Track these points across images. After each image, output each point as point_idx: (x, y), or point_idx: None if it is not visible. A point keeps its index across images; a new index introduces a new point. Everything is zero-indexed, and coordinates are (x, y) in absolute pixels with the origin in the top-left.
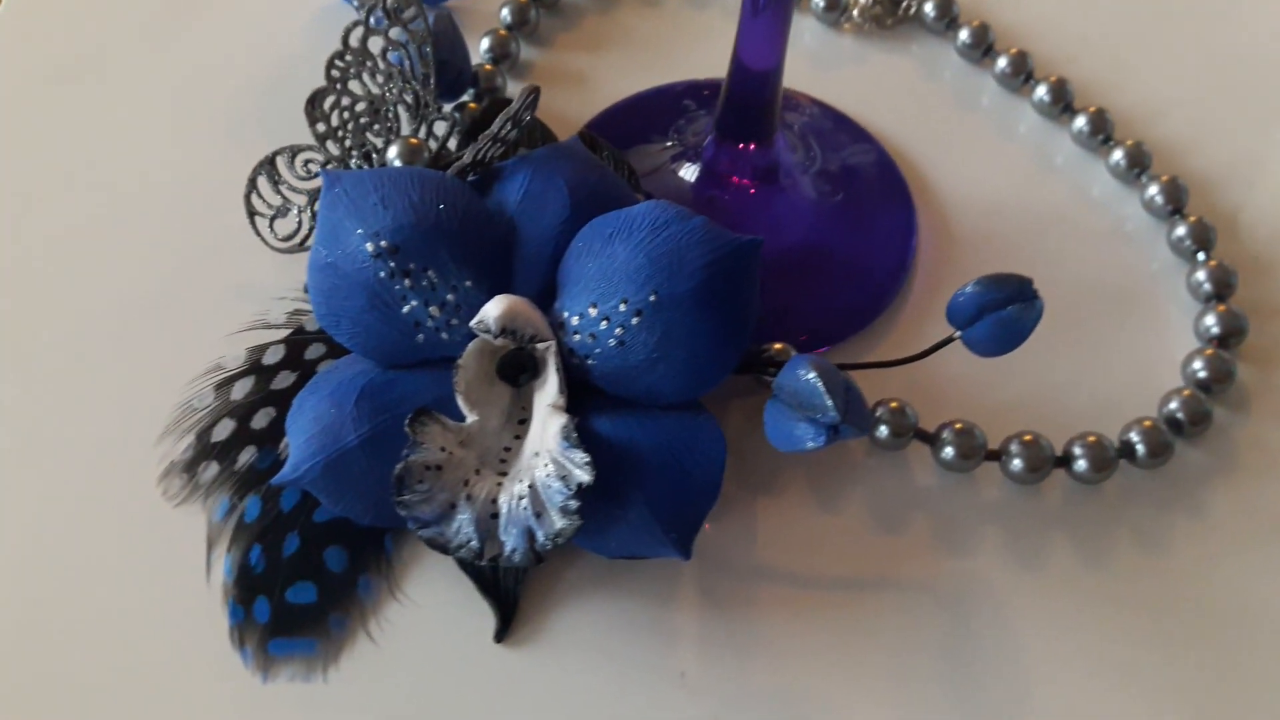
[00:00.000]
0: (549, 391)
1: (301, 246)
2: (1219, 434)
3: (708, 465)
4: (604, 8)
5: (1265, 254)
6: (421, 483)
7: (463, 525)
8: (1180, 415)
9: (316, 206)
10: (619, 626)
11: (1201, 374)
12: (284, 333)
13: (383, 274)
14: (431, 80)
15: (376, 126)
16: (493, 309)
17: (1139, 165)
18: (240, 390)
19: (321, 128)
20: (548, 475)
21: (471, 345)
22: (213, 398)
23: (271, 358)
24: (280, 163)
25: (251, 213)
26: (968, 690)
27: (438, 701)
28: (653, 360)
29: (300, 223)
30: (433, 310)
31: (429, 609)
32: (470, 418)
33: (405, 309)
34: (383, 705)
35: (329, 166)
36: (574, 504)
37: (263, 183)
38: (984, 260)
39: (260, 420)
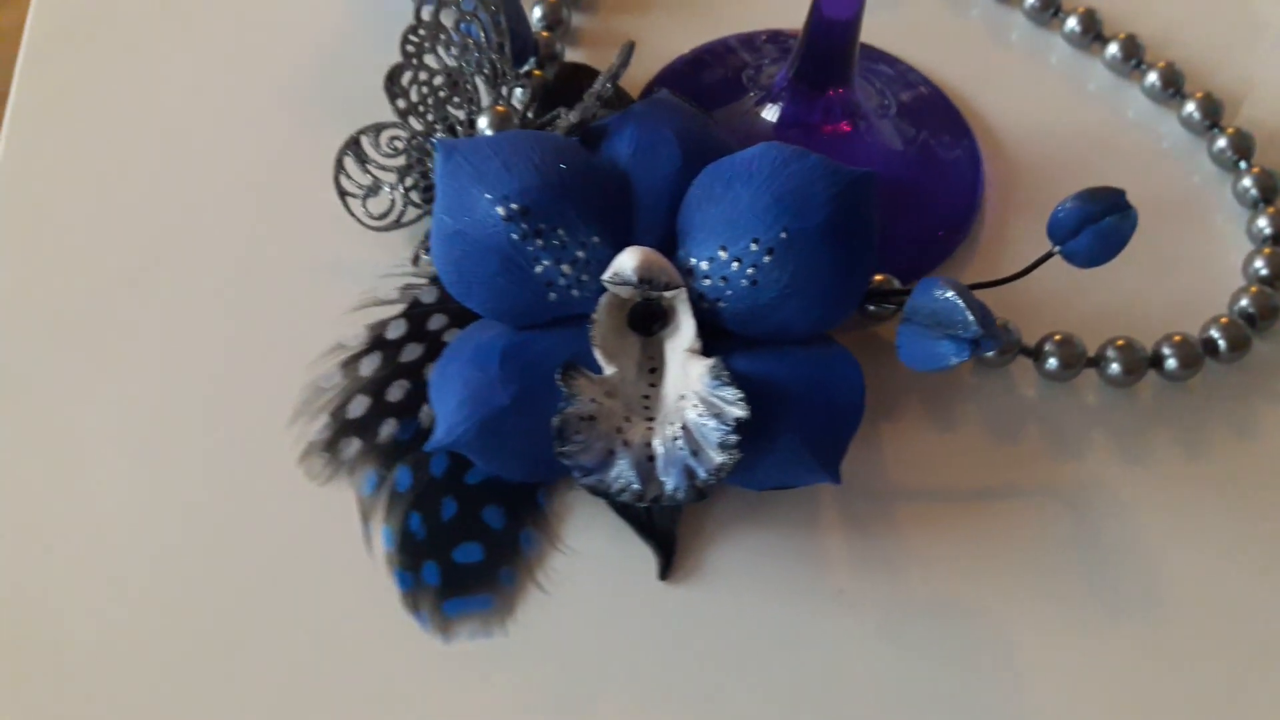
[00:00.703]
0: (684, 337)
1: (397, 224)
2: None
3: (849, 391)
4: None
5: None
6: (578, 434)
7: (622, 470)
8: (1252, 310)
9: (408, 182)
10: (772, 554)
11: (1264, 271)
12: (398, 308)
13: (515, 236)
14: (506, 49)
15: (456, 99)
16: (628, 261)
17: (1173, 85)
18: (368, 367)
19: (402, 104)
20: (699, 415)
21: (603, 299)
22: (340, 376)
23: (394, 332)
24: (365, 142)
25: (343, 193)
26: (1100, 577)
27: (614, 640)
28: (785, 296)
29: (393, 200)
30: (564, 269)
31: (590, 556)
32: (609, 370)
33: (538, 269)
34: (562, 649)
35: (414, 141)
36: (733, 438)
37: (349, 163)
38: (1041, 187)
39: (395, 393)
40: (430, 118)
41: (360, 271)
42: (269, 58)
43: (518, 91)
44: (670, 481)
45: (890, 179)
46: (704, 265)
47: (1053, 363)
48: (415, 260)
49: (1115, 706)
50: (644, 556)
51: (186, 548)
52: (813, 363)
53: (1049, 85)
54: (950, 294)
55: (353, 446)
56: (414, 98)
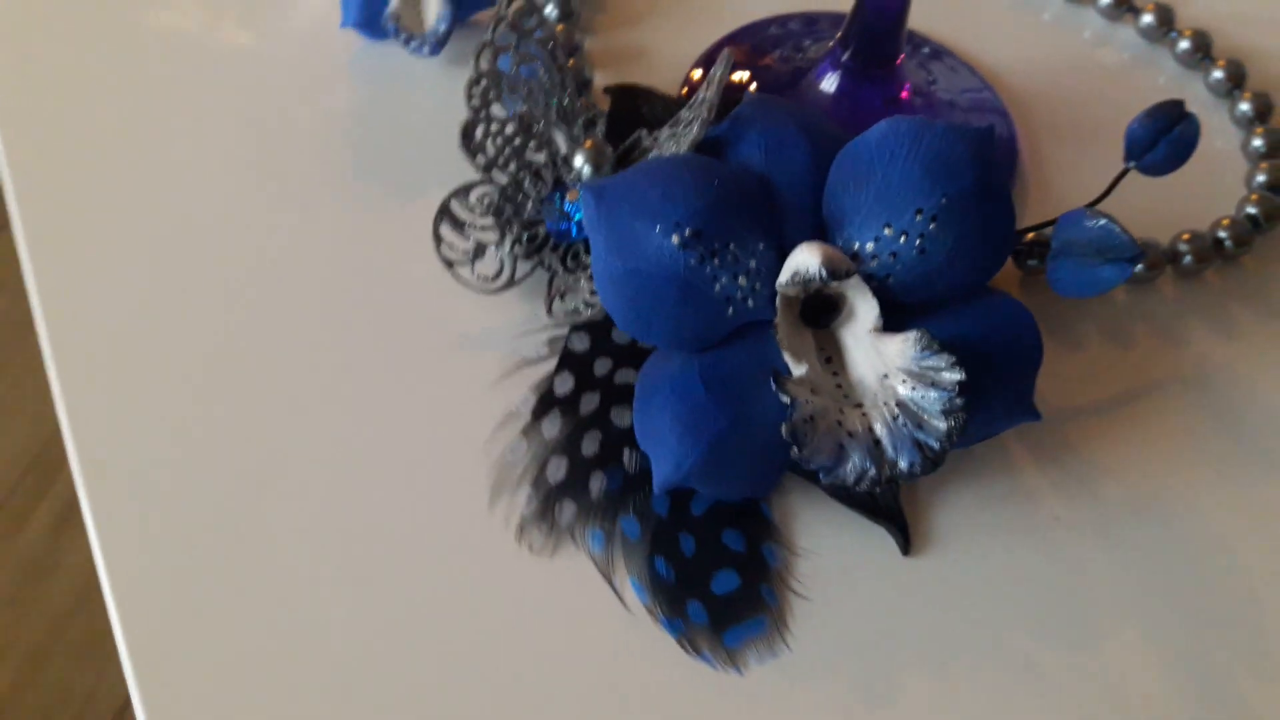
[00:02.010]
0: (866, 319)
1: (511, 282)
2: None
3: (1027, 331)
4: None
5: None
6: (806, 435)
7: (856, 460)
8: (1257, 213)
9: (510, 237)
10: (984, 502)
11: (1262, 179)
12: (552, 362)
13: (693, 261)
14: (569, 84)
15: (532, 144)
16: (810, 258)
17: (1166, 24)
18: (550, 428)
19: (481, 159)
20: (912, 390)
21: (779, 302)
22: (525, 444)
23: (562, 387)
24: (455, 206)
25: (449, 263)
26: (1254, 444)
27: (881, 621)
28: (952, 258)
29: (501, 260)
30: (741, 281)
31: (830, 552)
32: (800, 369)
33: (717, 288)
34: (846, 644)
35: (506, 194)
36: (959, 401)
37: (446, 231)
38: (1055, 131)
39: (589, 447)
40: (513, 167)
41: (492, 338)
42: (304, 139)
43: (592, 124)
44: (904, 459)
45: None
46: (869, 246)
47: (1189, 260)
48: (549, 310)
49: None
50: (876, 538)
51: (435, 659)
52: (987, 314)
53: (1047, 36)
54: (1104, 221)
55: (568, 510)
56: (490, 151)
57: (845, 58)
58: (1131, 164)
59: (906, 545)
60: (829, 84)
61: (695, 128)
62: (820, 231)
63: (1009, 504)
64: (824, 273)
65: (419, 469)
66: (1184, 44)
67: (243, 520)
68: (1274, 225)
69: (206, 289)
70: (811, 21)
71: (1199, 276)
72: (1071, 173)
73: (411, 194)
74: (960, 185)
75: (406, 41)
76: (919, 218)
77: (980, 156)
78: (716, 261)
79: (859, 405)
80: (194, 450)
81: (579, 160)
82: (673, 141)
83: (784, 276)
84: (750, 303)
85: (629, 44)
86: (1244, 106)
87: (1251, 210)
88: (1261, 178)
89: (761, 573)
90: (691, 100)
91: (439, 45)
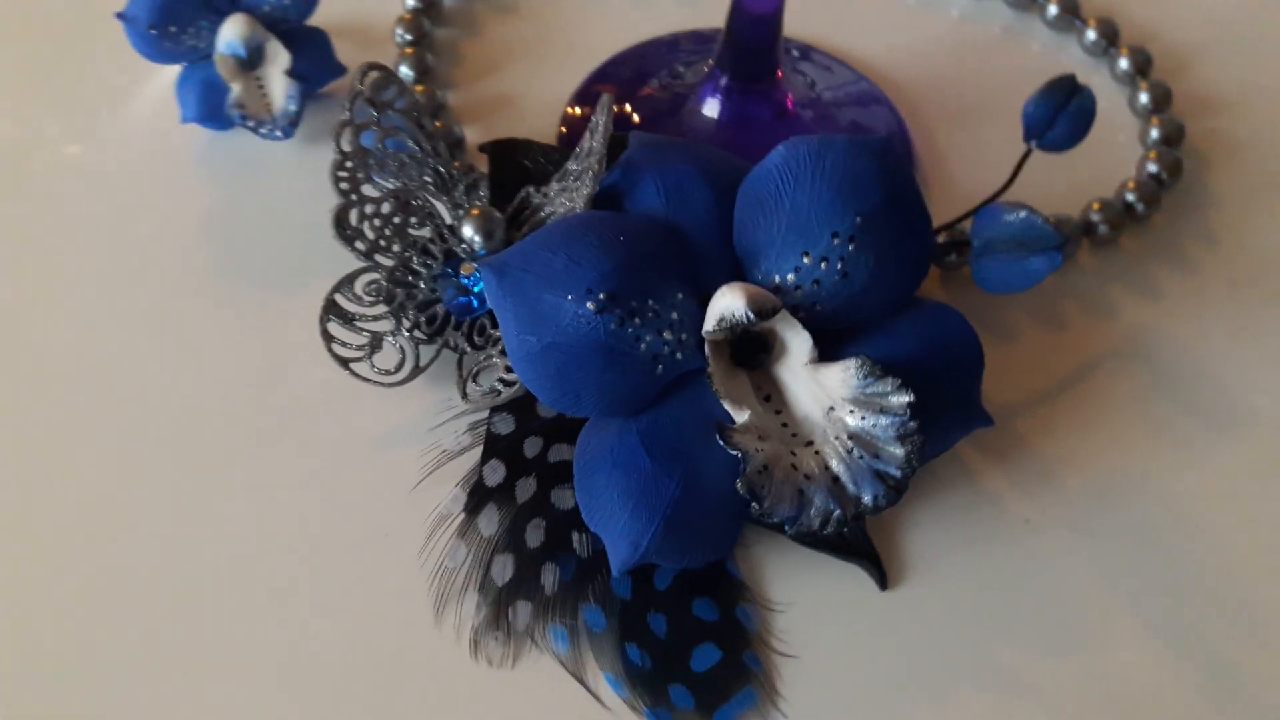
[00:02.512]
0: (800, 352)
1: (417, 369)
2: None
3: (964, 335)
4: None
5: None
6: (763, 487)
7: (818, 503)
8: (1158, 170)
9: (406, 322)
10: (951, 519)
11: (1156, 134)
12: (477, 451)
13: (613, 325)
14: (442, 150)
15: (414, 219)
16: (734, 302)
17: (1071, 13)
18: (489, 524)
19: (361, 245)
20: (861, 419)
21: (708, 350)
22: (463, 547)
23: (493, 477)
24: (341, 300)
25: (344, 362)
26: (1194, 397)
27: (879, 662)
28: (875, 276)
29: (401, 349)
30: (666, 335)
31: (807, 602)
32: (742, 415)
33: (642, 347)
34: (841, 695)
35: (395, 277)
36: (913, 424)
37: (335, 328)
38: (953, 118)
39: (534, 537)
40: (397, 248)
41: (405, 435)
42: (160, 247)
43: (473, 187)
44: (867, 493)
45: None
46: (790, 277)
47: (1103, 229)
48: (464, 395)
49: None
50: (851, 577)
51: None
52: (920, 326)
53: (913, 19)
54: (1024, 213)
55: (523, 611)
56: (369, 234)
57: (724, 80)
58: (1033, 144)
59: (884, 579)
60: (711, 109)
61: (587, 181)
62: (736, 270)
63: (975, 514)
64: (750, 314)
65: (350, 593)
66: (1053, 9)
67: (167, 669)
68: (1176, 180)
69: (77, 422)
70: (675, 45)
71: (1115, 244)
72: (966, 155)
73: (289, 291)
74: (871, 201)
75: (256, 128)
76: (836, 241)
77: (886, 168)
78: (637, 321)
79: (809, 443)
80: (90, 598)
81: (467, 230)
82: (565, 196)
83: (710, 324)
84: (679, 355)
85: (494, 94)
86: (1124, 63)
87: (1152, 168)
88: (1155, 133)
89: (741, 639)
90: (577, 150)
91: (292, 126)
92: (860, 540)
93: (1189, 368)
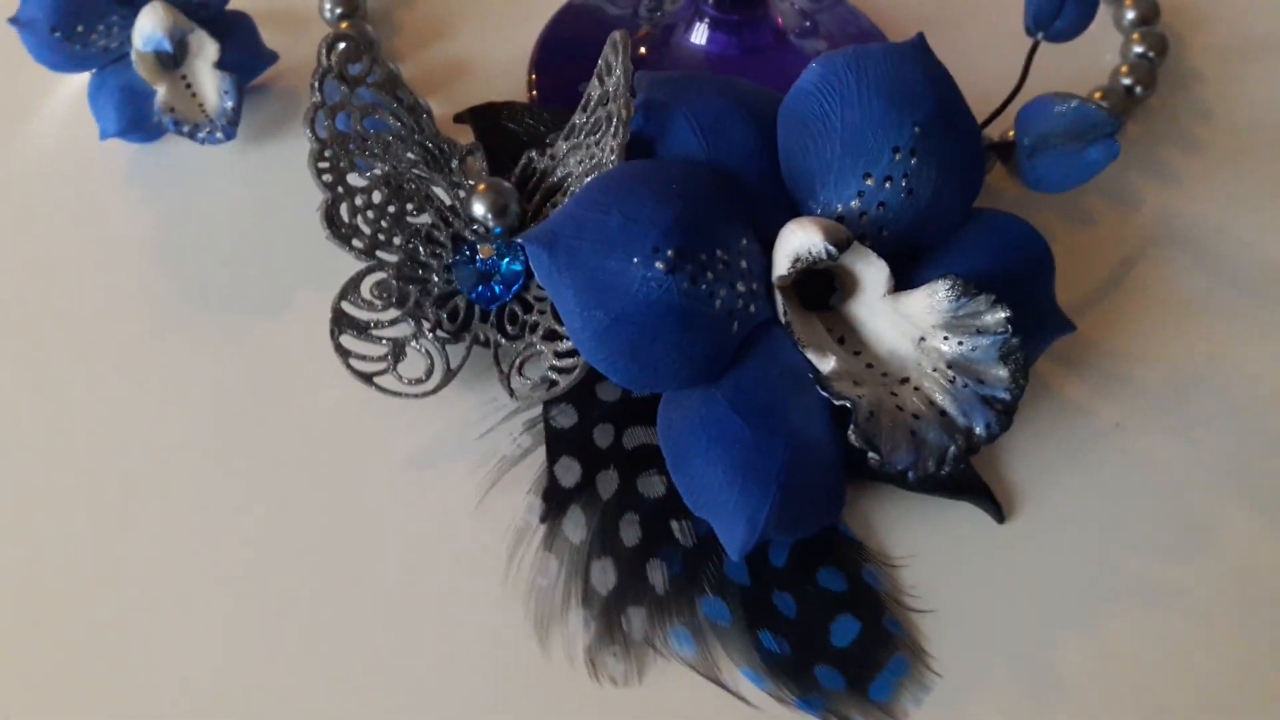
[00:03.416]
0: (876, 284)
1: (449, 373)
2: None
3: (1031, 240)
4: None
5: None
6: (876, 435)
7: (932, 441)
8: (1144, 49)
9: (427, 322)
10: (1046, 436)
11: (1132, 15)
12: (541, 451)
13: (685, 284)
14: (424, 123)
15: (410, 205)
16: (811, 237)
17: None
18: (575, 529)
19: (359, 242)
20: (958, 344)
21: (780, 300)
22: (554, 559)
23: (568, 477)
24: (350, 308)
25: (366, 378)
26: (1241, 271)
27: (1016, 598)
28: (938, 189)
29: (427, 353)
30: (740, 287)
31: (928, 551)
32: (827, 362)
33: (717, 304)
34: (990, 642)
35: (403, 272)
36: (1015, 340)
37: (350, 341)
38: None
39: (630, 535)
40: (399, 240)
41: (453, 448)
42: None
43: (470, 157)
44: (978, 421)
45: None
46: (854, 204)
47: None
48: (511, 392)
49: None
50: (965, 516)
51: None
52: (987, 237)
53: None
54: (1075, 102)
55: (637, 618)
56: (365, 229)
57: (709, 8)
58: (1040, 35)
59: (1000, 512)
60: (699, 36)
61: (617, 129)
62: (791, 204)
63: (1066, 427)
64: (830, 249)
65: (438, 635)
66: None
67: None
68: (1164, 56)
69: (59, 498)
70: None
71: (1123, 132)
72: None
73: (270, 309)
74: (925, 109)
75: (193, 132)
76: (897, 157)
77: (930, 71)
78: (710, 275)
79: (904, 380)
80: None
81: (478, 208)
82: (579, 154)
83: (782, 266)
84: (752, 307)
85: (444, 61)
86: None
87: (1138, 49)
88: (1131, 14)
89: (875, 603)
90: (584, 101)
91: (232, 125)
92: (969, 475)
93: (1227, 244)
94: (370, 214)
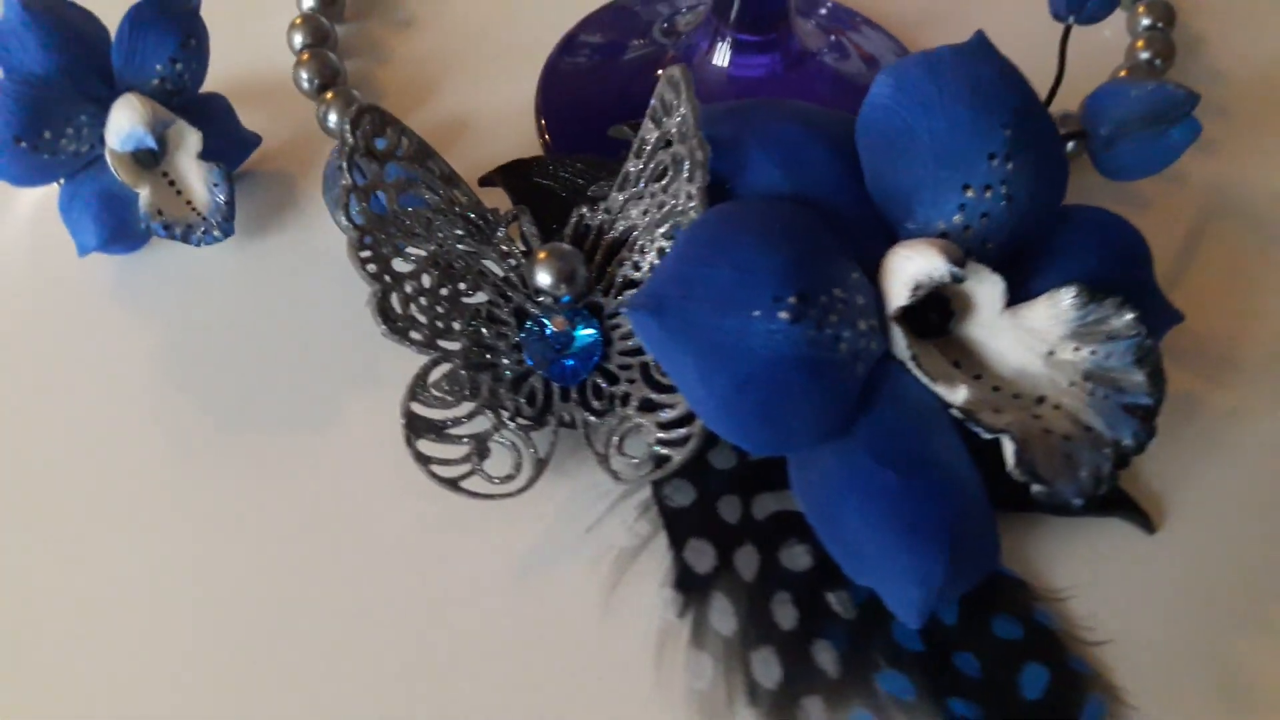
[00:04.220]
0: (991, 300)
1: (540, 463)
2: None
3: (1130, 235)
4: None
5: None
6: (1037, 466)
7: (1086, 463)
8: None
9: (506, 411)
10: (1168, 433)
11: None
12: (662, 539)
13: (811, 330)
14: (464, 189)
15: (464, 285)
16: (930, 263)
17: None
18: (722, 619)
19: (416, 334)
20: (1091, 353)
21: (896, 333)
22: (708, 655)
23: (702, 562)
24: (420, 409)
25: (453, 483)
26: None
27: (1189, 607)
28: (1034, 191)
29: (512, 445)
30: (860, 325)
31: (1089, 577)
32: (957, 393)
33: (843, 347)
34: (1175, 661)
35: (470, 359)
36: (1148, 343)
37: (428, 445)
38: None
39: (785, 616)
40: (458, 324)
41: (557, 547)
42: (126, 410)
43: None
44: (1125, 433)
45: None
46: (956, 218)
47: None
48: (616, 475)
49: None
50: (1114, 533)
51: None
52: (1085, 236)
53: None
54: (1153, 84)
55: (815, 708)
56: (421, 317)
57: (727, 28)
58: (1072, 19)
59: (1149, 523)
60: (721, 58)
61: (692, 173)
62: (887, 228)
63: (1184, 419)
64: (954, 270)
65: None
66: None
67: None
68: (1172, 25)
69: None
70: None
71: None
72: None
73: (316, 419)
74: (1010, 109)
75: (187, 235)
76: (994, 163)
77: (1004, 70)
78: (833, 318)
79: (1041, 399)
80: None
81: (543, 278)
82: (641, 204)
83: (901, 296)
84: (873, 344)
85: (438, 121)
86: None
87: (1146, 21)
88: None
89: (1055, 645)
90: (637, 146)
91: (229, 220)
92: (1115, 490)
93: None
94: (423, 300)
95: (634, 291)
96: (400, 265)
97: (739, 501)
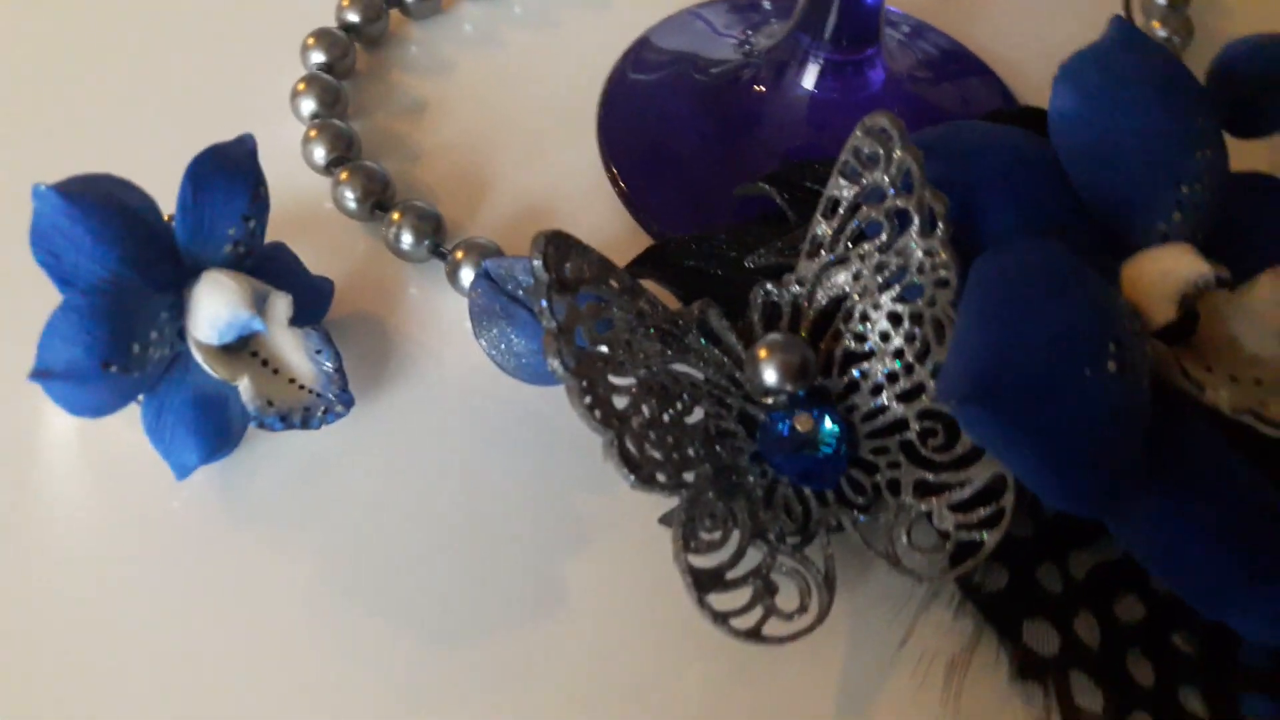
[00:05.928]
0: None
1: (830, 586)
2: None
3: None
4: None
5: None
6: None
7: None
8: None
9: (772, 537)
10: None
11: None
12: (989, 630)
13: (1130, 375)
14: (649, 298)
15: (679, 406)
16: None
17: None
18: (1088, 698)
19: (663, 475)
20: None
21: (1151, 345)
22: None
23: (1046, 644)
24: (699, 561)
25: (754, 633)
26: None
27: None
28: (1224, 171)
29: (795, 572)
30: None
31: None
32: (1223, 391)
33: (1144, 380)
34: None
35: (719, 491)
36: None
37: (718, 599)
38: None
39: (1143, 674)
40: (693, 451)
41: (875, 674)
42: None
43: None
44: None
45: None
46: (1175, 217)
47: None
48: (920, 577)
49: None
50: None
51: None
52: (1258, 204)
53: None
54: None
55: None
56: (655, 453)
57: (818, 46)
58: None
59: None
60: (808, 80)
61: (933, 227)
62: (1114, 240)
63: None
64: (1215, 272)
65: None
66: None
67: None
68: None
69: None
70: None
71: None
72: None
73: (548, 599)
74: (1191, 96)
75: (306, 421)
76: (1200, 157)
77: (1165, 54)
78: (1131, 352)
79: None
80: None
81: (769, 377)
82: (857, 264)
83: (1167, 312)
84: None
85: (506, 210)
86: None
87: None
88: None
89: None
90: (825, 206)
91: (345, 389)
92: None
93: None
94: (653, 435)
95: (935, 382)
96: (619, 402)
97: (1056, 568)
